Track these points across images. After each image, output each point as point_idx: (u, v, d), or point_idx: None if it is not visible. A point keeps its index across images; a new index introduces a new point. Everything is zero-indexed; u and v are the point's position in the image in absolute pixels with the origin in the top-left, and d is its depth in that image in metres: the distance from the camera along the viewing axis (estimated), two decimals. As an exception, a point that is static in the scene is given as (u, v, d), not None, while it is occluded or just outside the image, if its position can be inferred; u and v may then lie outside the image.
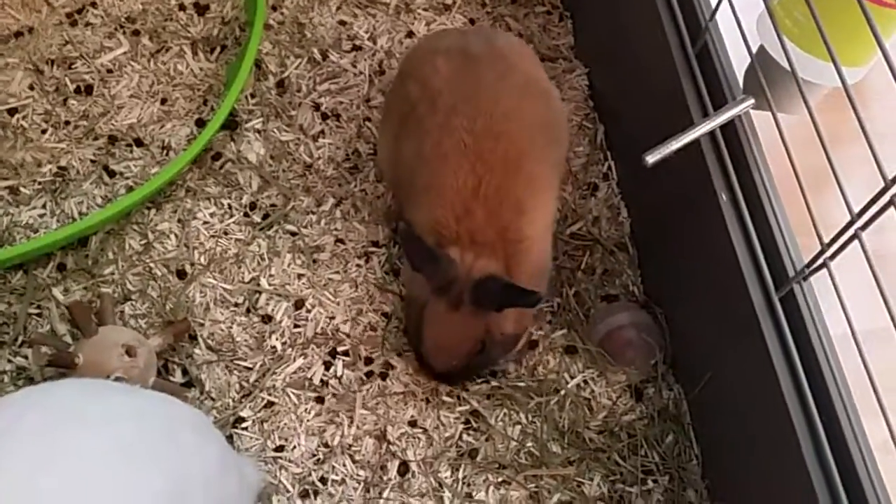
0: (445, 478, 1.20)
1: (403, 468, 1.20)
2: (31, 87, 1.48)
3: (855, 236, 0.89)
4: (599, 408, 1.28)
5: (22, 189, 1.37)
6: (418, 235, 1.12)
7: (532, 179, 1.20)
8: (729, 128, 1.15)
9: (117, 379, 1.12)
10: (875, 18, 0.87)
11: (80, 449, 0.85)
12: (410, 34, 1.63)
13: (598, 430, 1.26)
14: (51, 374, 1.19)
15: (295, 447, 1.20)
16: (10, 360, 1.23)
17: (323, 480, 1.18)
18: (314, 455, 1.20)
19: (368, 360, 1.28)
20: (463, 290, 1.11)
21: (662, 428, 1.27)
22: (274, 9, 1.61)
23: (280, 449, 1.20)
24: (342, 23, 1.63)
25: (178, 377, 1.24)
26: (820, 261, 0.97)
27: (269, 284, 1.33)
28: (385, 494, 1.17)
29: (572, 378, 1.30)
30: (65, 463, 0.83)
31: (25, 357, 1.23)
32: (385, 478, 1.19)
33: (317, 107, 1.52)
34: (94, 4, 1.58)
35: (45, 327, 1.25)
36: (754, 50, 1.13)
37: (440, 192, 1.15)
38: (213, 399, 1.23)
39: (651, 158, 1.06)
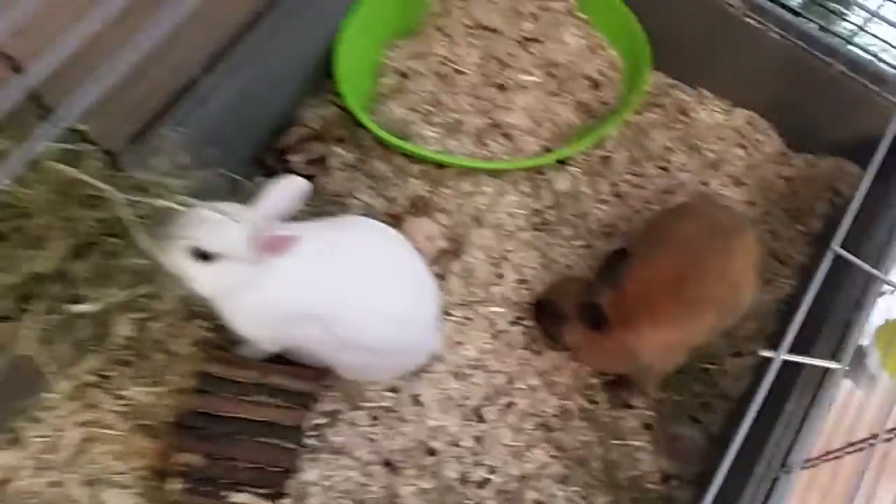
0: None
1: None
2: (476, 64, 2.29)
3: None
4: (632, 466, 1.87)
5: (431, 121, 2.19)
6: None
7: (671, 327, 1.68)
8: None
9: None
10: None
11: (387, 261, 1.64)
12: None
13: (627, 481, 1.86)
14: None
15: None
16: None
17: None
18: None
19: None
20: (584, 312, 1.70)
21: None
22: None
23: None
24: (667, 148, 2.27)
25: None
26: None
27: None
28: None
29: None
30: (379, 263, 1.63)
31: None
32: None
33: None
34: (534, 40, 2.32)
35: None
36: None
37: (627, 282, 1.70)
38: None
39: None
